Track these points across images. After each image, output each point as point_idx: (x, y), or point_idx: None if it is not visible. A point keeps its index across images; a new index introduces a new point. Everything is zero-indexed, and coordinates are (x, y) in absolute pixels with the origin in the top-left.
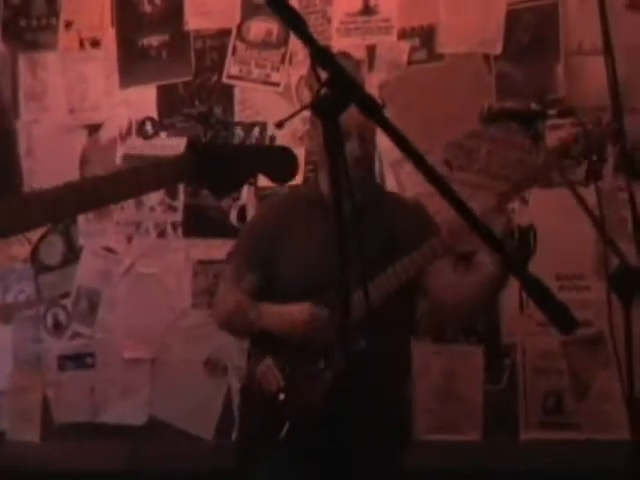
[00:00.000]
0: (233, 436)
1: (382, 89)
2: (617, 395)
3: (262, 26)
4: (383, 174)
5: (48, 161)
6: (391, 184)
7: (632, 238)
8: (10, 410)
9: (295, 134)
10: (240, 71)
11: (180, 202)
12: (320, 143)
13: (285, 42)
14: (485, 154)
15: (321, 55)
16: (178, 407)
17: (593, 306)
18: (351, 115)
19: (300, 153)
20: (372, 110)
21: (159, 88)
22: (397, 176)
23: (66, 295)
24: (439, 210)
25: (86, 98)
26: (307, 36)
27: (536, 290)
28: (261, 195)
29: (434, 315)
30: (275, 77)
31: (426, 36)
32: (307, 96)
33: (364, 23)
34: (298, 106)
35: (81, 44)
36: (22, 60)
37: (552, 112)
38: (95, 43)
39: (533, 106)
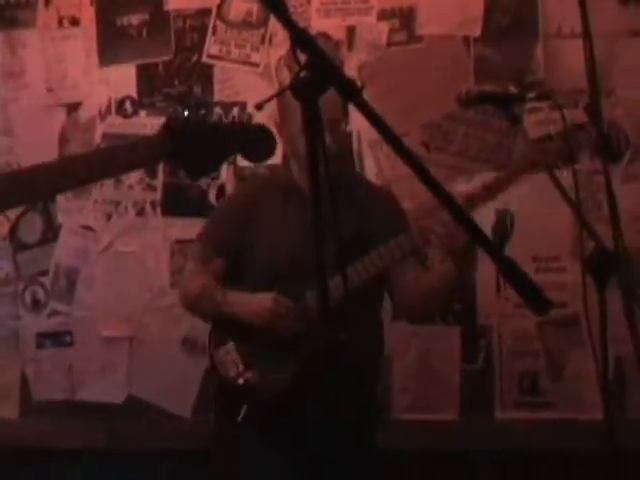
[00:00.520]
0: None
1: (361, 70)
2: (591, 376)
3: (242, 6)
4: (362, 155)
5: (27, 140)
6: (370, 165)
7: (608, 221)
8: None
9: (274, 115)
10: (220, 51)
11: (159, 181)
12: (291, 131)
13: (265, 23)
14: (462, 136)
15: (300, 38)
16: (156, 385)
17: (569, 288)
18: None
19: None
20: (350, 93)
21: (139, 67)
22: (376, 157)
23: (44, 273)
24: (417, 192)
25: (65, 77)
26: (287, 19)
27: (511, 272)
28: (240, 175)
29: (394, 311)
30: (255, 57)
31: (405, 17)
32: (287, 76)
33: (344, 4)
34: (278, 86)
35: (60, 22)
36: (1, 38)
37: (530, 95)
38: (74, 21)
39: (511, 89)
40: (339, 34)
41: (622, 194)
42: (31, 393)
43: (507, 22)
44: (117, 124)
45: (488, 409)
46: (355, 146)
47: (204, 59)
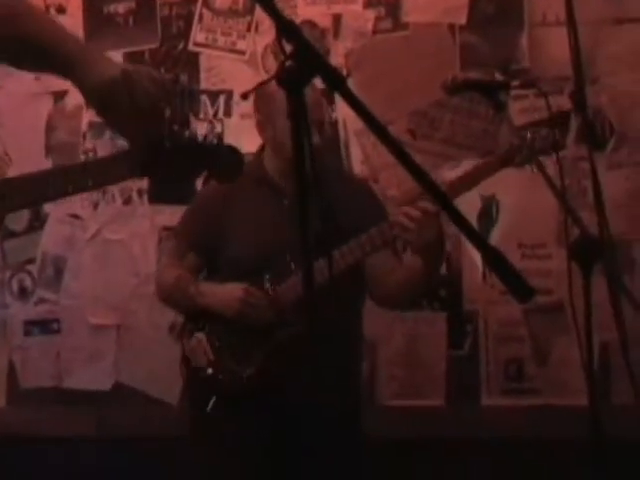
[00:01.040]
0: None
1: (347, 58)
2: (576, 362)
3: None
4: (348, 143)
5: (14, 127)
6: (356, 153)
7: (593, 208)
8: None
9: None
10: (206, 39)
11: None
12: (262, 120)
13: (251, 10)
14: (448, 123)
15: (286, 28)
16: (144, 372)
17: (554, 275)
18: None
19: None
20: (336, 82)
21: (125, 55)
22: (362, 145)
23: (31, 261)
24: (403, 180)
25: None
26: (272, 9)
27: (494, 260)
28: None
29: (370, 298)
30: (241, 45)
31: (391, 5)
32: (273, 64)
33: None
34: (264, 74)
35: (47, 10)
36: None
37: (515, 83)
38: (61, 9)
39: (497, 77)
40: (325, 22)
41: (607, 181)
42: (19, 381)
43: (492, 10)
44: None
45: (474, 395)
46: (341, 134)
47: (190, 47)
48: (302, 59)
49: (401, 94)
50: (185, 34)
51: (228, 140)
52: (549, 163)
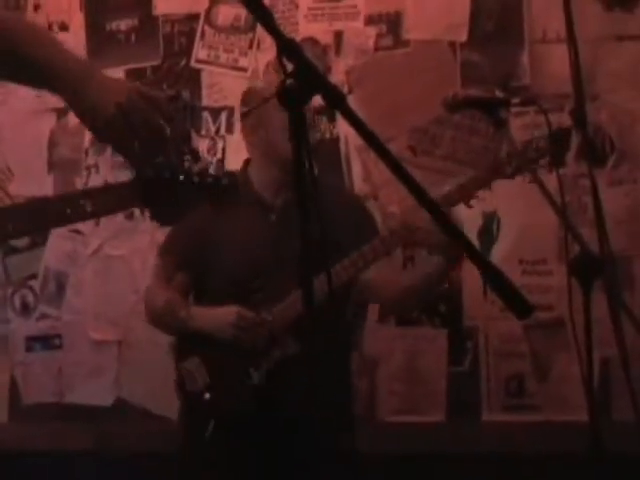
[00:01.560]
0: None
1: (349, 75)
2: (577, 378)
3: (230, 11)
4: (349, 159)
5: (16, 144)
6: (357, 169)
7: (593, 224)
8: None
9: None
10: (208, 56)
11: None
12: (254, 123)
13: (253, 27)
14: (449, 140)
15: (287, 47)
16: (145, 388)
17: (554, 291)
18: None
19: None
20: (336, 100)
21: (127, 72)
22: (363, 162)
23: (33, 277)
24: (404, 197)
25: None
26: (273, 27)
27: (492, 275)
28: None
29: (380, 308)
30: (243, 62)
31: (392, 22)
32: (275, 81)
33: (331, 9)
34: None
35: (49, 27)
36: None
37: (515, 100)
38: (63, 27)
39: (497, 94)
40: (326, 39)
41: (607, 198)
42: (20, 396)
43: (493, 27)
44: None
45: (475, 411)
46: (342, 150)
47: (192, 64)
48: (302, 77)
49: (402, 111)
50: (187, 51)
51: (230, 157)
52: (549, 179)
